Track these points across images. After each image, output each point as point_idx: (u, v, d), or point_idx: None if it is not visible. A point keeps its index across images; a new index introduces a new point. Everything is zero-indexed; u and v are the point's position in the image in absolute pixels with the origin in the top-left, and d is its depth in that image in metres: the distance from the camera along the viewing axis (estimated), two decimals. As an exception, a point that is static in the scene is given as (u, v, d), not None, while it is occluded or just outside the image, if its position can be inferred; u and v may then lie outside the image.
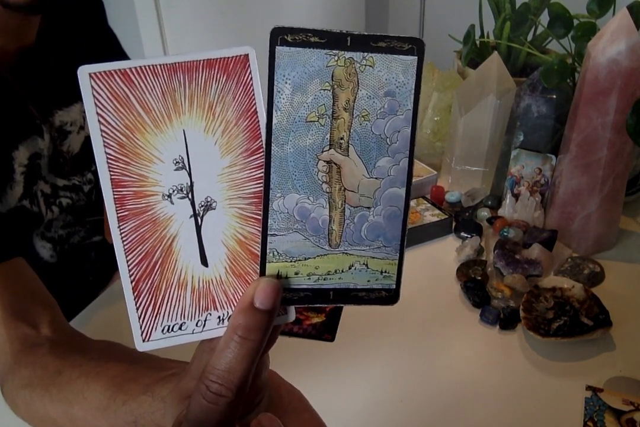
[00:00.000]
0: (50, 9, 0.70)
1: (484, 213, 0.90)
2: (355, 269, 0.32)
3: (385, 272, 0.32)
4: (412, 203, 0.91)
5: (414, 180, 0.93)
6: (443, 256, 0.84)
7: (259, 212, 0.30)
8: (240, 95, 0.30)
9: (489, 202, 0.92)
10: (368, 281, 0.32)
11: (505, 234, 0.83)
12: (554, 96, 0.83)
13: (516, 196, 0.88)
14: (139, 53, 1.68)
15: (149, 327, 0.31)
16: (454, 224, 0.89)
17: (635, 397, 0.60)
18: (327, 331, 0.71)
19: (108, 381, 0.44)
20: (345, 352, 0.68)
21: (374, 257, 0.32)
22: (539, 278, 0.76)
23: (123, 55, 0.89)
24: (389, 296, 0.33)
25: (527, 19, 0.96)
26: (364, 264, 0.32)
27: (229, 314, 0.32)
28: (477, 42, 1.06)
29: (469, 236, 0.86)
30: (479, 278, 0.77)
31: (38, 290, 0.59)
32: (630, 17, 0.71)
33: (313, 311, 0.74)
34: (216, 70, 0.30)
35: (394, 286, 0.33)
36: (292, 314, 0.32)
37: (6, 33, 0.66)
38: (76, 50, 0.76)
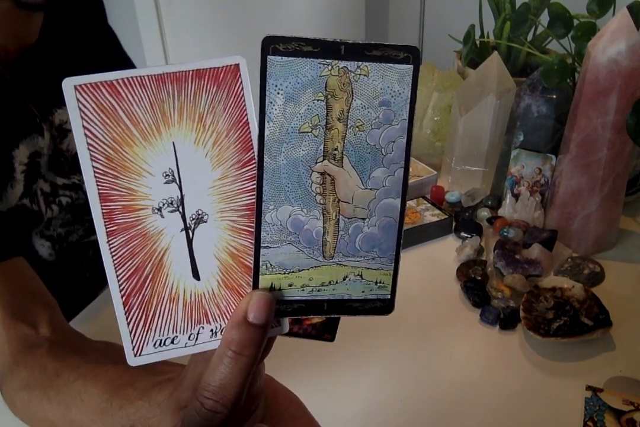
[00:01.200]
0: (53, 6, 0.70)
1: (484, 213, 0.90)
2: (349, 280, 0.31)
3: (380, 282, 0.32)
4: (412, 203, 0.91)
5: (414, 180, 0.94)
6: (443, 256, 0.84)
7: (252, 225, 0.30)
8: (231, 106, 0.29)
9: (489, 202, 0.92)
10: (362, 291, 0.32)
11: (505, 234, 0.83)
12: (554, 96, 0.83)
13: (516, 196, 0.88)
14: (139, 52, 1.68)
15: (140, 341, 0.31)
16: (454, 224, 0.89)
17: (635, 397, 0.60)
18: (327, 331, 0.71)
19: (105, 384, 0.43)
20: (345, 352, 0.68)
21: (368, 268, 0.32)
22: (539, 278, 0.76)
23: (123, 54, 0.89)
24: (384, 306, 0.33)
25: (527, 19, 0.96)
26: (358, 275, 0.32)
27: (222, 327, 0.31)
28: (477, 42, 1.06)
29: (469, 236, 0.86)
30: (479, 278, 0.77)
31: (38, 290, 0.59)
32: (630, 17, 0.71)
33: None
34: (206, 81, 0.29)
35: (389, 296, 0.32)
36: (285, 326, 0.32)
37: (8, 32, 0.66)
38: (76, 49, 0.77)
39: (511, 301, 0.73)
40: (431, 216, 0.88)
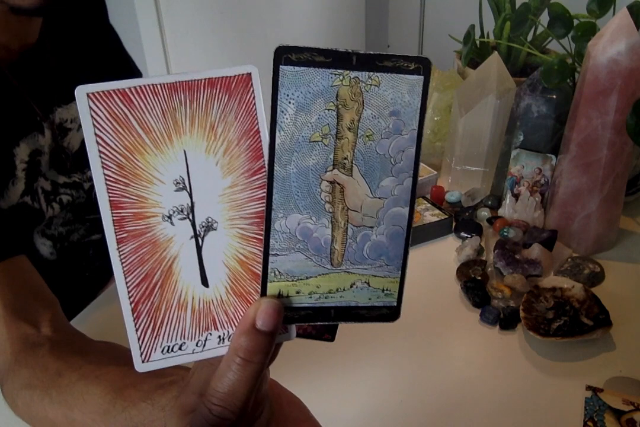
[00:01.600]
0: (51, 9, 0.71)
1: (484, 213, 0.90)
2: (356, 287, 0.32)
3: (387, 290, 0.32)
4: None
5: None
6: (443, 256, 0.84)
7: (261, 232, 0.30)
8: (242, 114, 0.30)
9: (489, 202, 0.92)
10: (369, 299, 0.32)
11: (505, 234, 0.83)
12: (554, 96, 0.83)
13: (516, 196, 0.88)
14: (139, 52, 1.68)
15: (148, 348, 0.31)
16: (454, 224, 0.89)
17: (635, 397, 0.60)
18: (327, 331, 0.71)
19: (108, 386, 0.43)
20: (345, 352, 0.68)
21: (375, 276, 0.32)
22: (539, 278, 0.76)
23: (124, 53, 0.89)
24: (390, 313, 0.33)
25: (527, 19, 0.96)
26: (365, 282, 0.32)
27: (230, 334, 0.32)
28: (477, 42, 1.06)
29: (469, 235, 0.86)
30: (479, 278, 0.77)
31: (40, 288, 0.59)
32: (630, 17, 0.71)
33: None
34: (218, 90, 0.29)
35: (395, 304, 0.33)
36: (293, 333, 0.32)
37: (9, 32, 0.66)
38: (77, 48, 0.77)
39: (511, 301, 0.73)
40: (431, 215, 0.88)
